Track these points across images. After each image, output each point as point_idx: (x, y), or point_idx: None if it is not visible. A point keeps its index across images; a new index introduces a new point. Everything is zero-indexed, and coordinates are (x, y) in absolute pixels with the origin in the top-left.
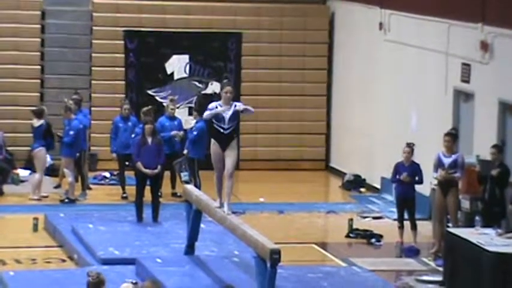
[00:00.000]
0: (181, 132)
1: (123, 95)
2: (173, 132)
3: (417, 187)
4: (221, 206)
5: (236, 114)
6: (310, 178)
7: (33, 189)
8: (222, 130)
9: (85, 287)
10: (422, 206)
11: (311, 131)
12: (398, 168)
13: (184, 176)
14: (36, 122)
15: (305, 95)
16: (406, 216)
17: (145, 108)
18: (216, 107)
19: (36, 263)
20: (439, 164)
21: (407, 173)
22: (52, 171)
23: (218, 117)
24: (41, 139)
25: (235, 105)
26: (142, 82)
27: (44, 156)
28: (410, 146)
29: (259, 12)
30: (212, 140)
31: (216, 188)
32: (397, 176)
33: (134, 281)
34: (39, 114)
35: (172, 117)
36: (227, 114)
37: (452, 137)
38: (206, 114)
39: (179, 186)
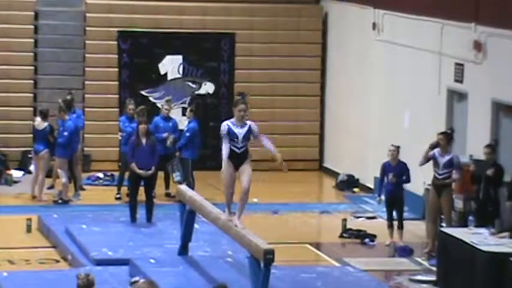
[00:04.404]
0: (172, 136)
1: (117, 96)
2: (165, 134)
3: (411, 187)
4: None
5: (250, 134)
6: (303, 178)
7: (39, 190)
8: (235, 149)
9: None
10: (416, 205)
11: (305, 131)
12: (385, 168)
13: (177, 176)
14: (41, 124)
15: (298, 95)
16: (394, 215)
17: (138, 109)
18: (228, 126)
19: (29, 263)
20: (434, 163)
21: (394, 173)
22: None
23: (231, 135)
24: (46, 141)
25: (250, 125)
26: (136, 83)
27: (48, 159)
28: (395, 146)
29: (253, 12)
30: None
31: (225, 199)
32: (385, 176)
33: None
34: (45, 115)
35: (167, 118)
36: (241, 132)
37: (446, 136)
38: (224, 153)
39: (173, 187)
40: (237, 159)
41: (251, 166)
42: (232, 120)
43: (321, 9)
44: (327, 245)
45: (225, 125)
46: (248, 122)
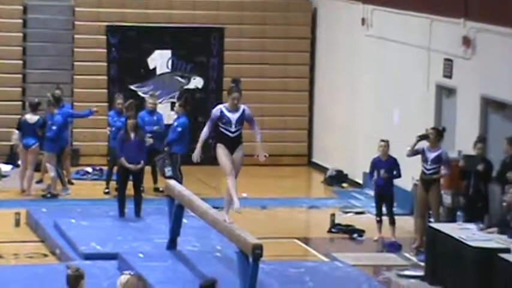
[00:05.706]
0: (151, 140)
1: (106, 90)
2: (146, 138)
3: (400, 182)
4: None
5: (243, 118)
6: (292, 173)
7: (28, 185)
8: (229, 133)
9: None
10: (404, 201)
11: (293, 126)
12: (375, 164)
13: (168, 171)
14: (32, 118)
15: (287, 90)
16: (384, 210)
17: (126, 103)
18: (221, 110)
19: (18, 258)
20: (423, 158)
21: (385, 169)
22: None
23: (224, 120)
24: (36, 135)
25: (244, 109)
26: (125, 77)
27: (37, 153)
28: (385, 141)
29: (242, 7)
30: (219, 144)
31: (225, 197)
32: (375, 172)
33: (132, 273)
34: (36, 107)
35: (152, 112)
36: (234, 117)
37: (437, 131)
38: (202, 135)
39: (161, 181)
40: (231, 143)
41: (243, 151)
42: (226, 105)
43: (310, 4)
44: (315, 240)
45: (218, 109)
46: (242, 106)
